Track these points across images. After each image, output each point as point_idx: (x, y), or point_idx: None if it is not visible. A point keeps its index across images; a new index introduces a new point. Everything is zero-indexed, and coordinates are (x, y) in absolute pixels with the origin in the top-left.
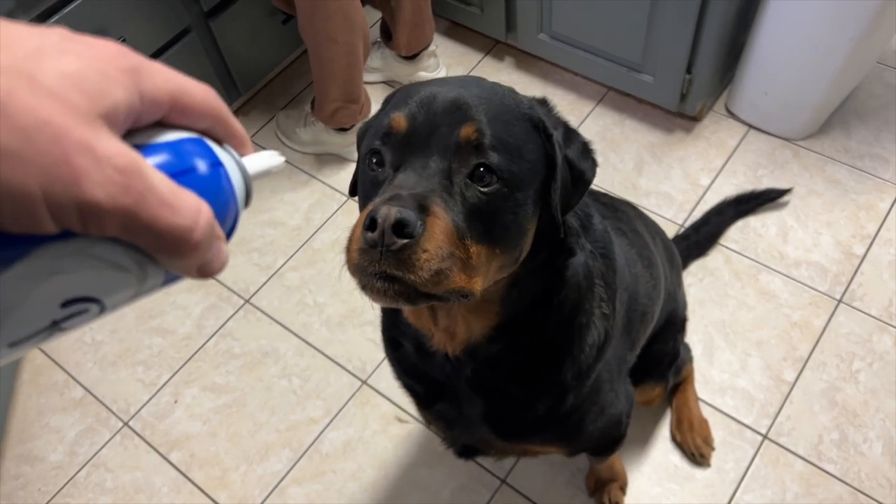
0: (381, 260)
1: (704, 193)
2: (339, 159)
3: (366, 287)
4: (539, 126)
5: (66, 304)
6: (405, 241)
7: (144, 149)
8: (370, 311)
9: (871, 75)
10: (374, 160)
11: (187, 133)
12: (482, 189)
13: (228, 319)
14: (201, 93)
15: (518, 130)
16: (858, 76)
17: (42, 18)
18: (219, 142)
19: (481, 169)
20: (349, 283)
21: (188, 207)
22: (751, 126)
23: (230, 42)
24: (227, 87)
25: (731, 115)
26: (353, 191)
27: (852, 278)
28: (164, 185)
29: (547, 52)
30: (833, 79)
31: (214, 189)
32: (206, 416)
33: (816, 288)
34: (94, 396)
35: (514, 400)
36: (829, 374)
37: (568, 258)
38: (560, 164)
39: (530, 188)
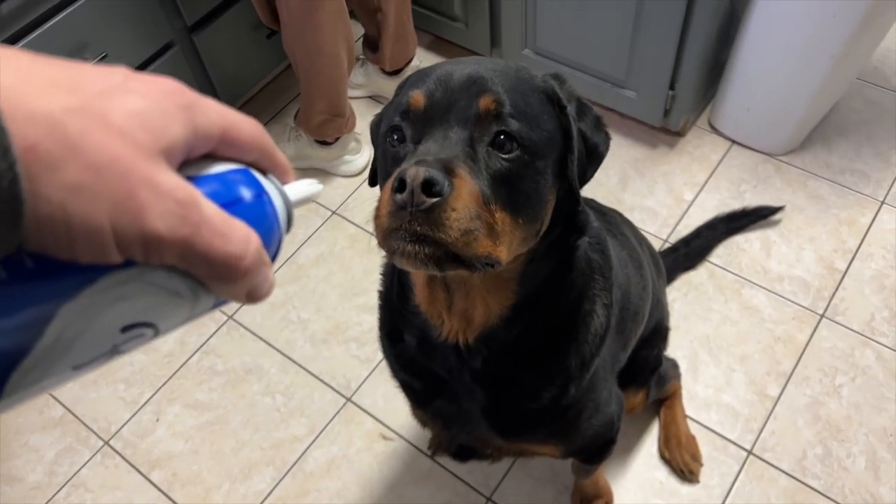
0: (410, 221)
1: (688, 208)
2: (323, 174)
3: (396, 251)
4: (553, 99)
5: (126, 329)
6: (434, 199)
7: (196, 180)
8: (354, 328)
9: (851, 91)
10: (395, 137)
11: (234, 164)
12: (504, 156)
13: (211, 336)
14: (249, 127)
15: (534, 101)
16: (839, 92)
17: (23, 34)
18: (263, 172)
19: (501, 137)
20: (336, 298)
21: (239, 236)
22: (734, 141)
23: (214, 56)
24: None
25: (714, 130)
26: (374, 180)
27: (834, 293)
28: (217, 216)
29: (531, 68)
30: (814, 95)
31: (260, 217)
32: (188, 435)
33: (799, 303)
34: (74, 415)
35: (520, 389)
36: (812, 388)
37: (579, 236)
38: (575, 135)
39: (549, 158)
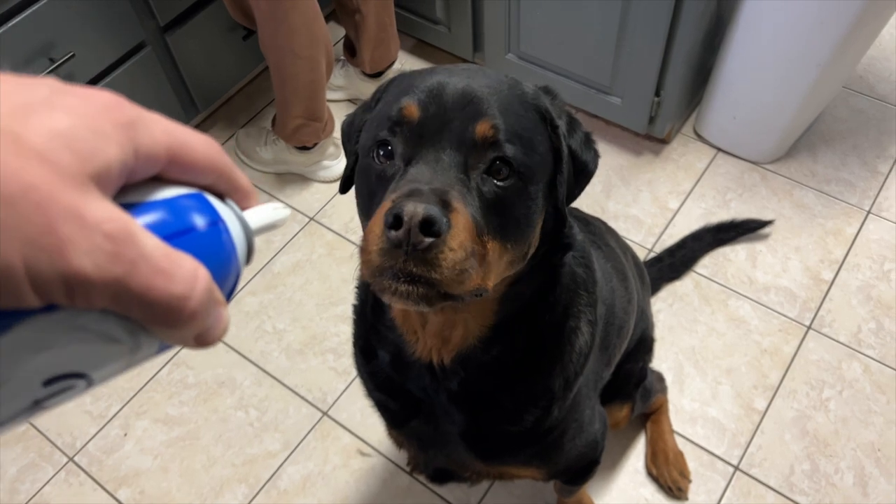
0: (406, 260)
1: (673, 217)
2: (301, 179)
3: (386, 290)
4: (546, 117)
5: (50, 382)
6: (432, 239)
7: (138, 207)
8: (332, 339)
9: (836, 99)
10: (382, 153)
11: (186, 189)
12: (498, 183)
13: (183, 347)
14: (203, 146)
15: (528, 122)
16: (825, 100)
17: None
18: (221, 196)
19: (497, 162)
20: (312, 308)
21: (184, 273)
22: (719, 149)
23: (188, 58)
24: (185, 104)
25: (700, 137)
26: (346, 188)
27: (821, 304)
28: (158, 250)
29: (514, 73)
30: (801, 103)
31: (214, 249)
32: (157, 450)
33: (786, 314)
34: (38, 430)
35: (501, 412)
36: (799, 402)
37: (564, 254)
38: (566, 156)
39: (541, 181)
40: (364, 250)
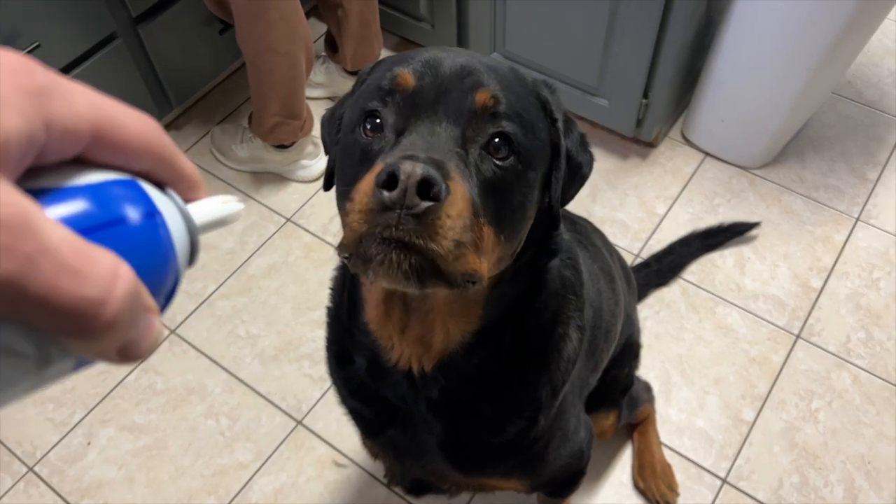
0: (398, 224)
1: (661, 222)
2: (277, 178)
3: (373, 259)
4: (545, 107)
5: None
6: (429, 203)
7: (51, 194)
8: (308, 344)
9: (824, 105)
10: (370, 125)
11: (116, 174)
12: (498, 162)
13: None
14: (137, 123)
15: (529, 106)
16: (815, 105)
17: None
18: (161, 185)
19: (497, 140)
20: (288, 312)
21: (100, 273)
22: (707, 153)
23: (162, 51)
24: (158, 99)
25: (687, 141)
26: (329, 184)
27: (810, 312)
28: (66, 244)
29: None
30: (790, 107)
31: (147, 245)
32: (122, 460)
33: (774, 322)
34: None
35: (483, 423)
36: (788, 413)
37: (550, 259)
38: (563, 152)
39: (539, 169)
40: (347, 214)
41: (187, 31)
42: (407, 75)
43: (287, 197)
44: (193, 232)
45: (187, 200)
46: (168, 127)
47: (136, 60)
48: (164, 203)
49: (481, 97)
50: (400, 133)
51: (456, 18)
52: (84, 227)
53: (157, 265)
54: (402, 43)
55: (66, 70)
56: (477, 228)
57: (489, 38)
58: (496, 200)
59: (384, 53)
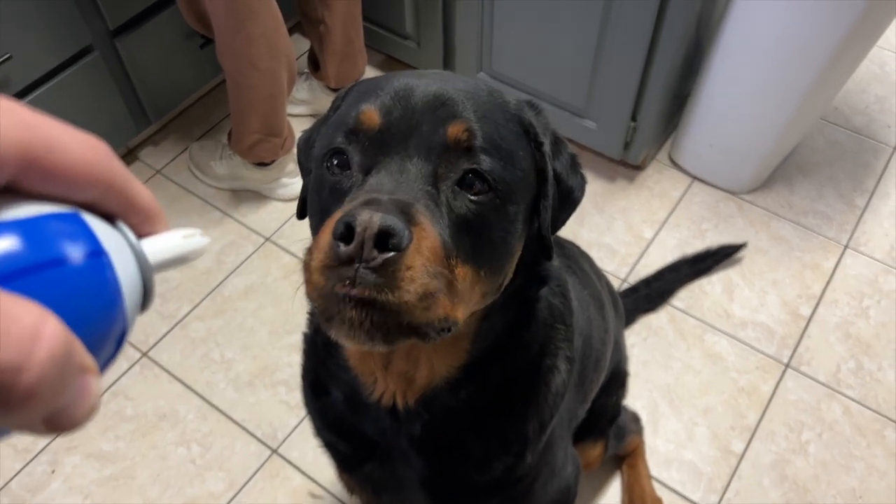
0: (356, 279)
1: (648, 246)
2: (257, 196)
3: (333, 318)
4: (529, 132)
5: None
6: (389, 255)
7: None
8: (284, 370)
9: (812, 131)
10: (336, 162)
11: (54, 207)
12: (472, 198)
13: (122, 375)
14: (79, 146)
15: (508, 134)
16: (804, 131)
17: None
18: (111, 218)
19: (471, 175)
20: (265, 336)
21: (17, 333)
22: (695, 177)
23: (140, 65)
24: (136, 114)
25: (675, 165)
26: (303, 212)
27: (799, 341)
28: None
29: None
30: (779, 132)
31: (89, 291)
32: (87, 490)
33: (763, 351)
34: None
35: (467, 459)
36: (778, 444)
37: (540, 287)
38: (550, 177)
39: (522, 202)
40: (307, 269)
41: (167, 45)
42: (372, 113)
43: (266, 216)
44: (147, 272)
45: (142, 234)
46: (145, 143)
47: (113, 74)
48: (113, 239)
49: (453, 131)
50: (367, 171)
51: (442, 37)
52: (9, 271)
53: (101, 313)
54: (387, 61)
55: (39, 83)
56: (449, 271)
57: (476, 57)
58: (473, 238)
59: (369, 71)
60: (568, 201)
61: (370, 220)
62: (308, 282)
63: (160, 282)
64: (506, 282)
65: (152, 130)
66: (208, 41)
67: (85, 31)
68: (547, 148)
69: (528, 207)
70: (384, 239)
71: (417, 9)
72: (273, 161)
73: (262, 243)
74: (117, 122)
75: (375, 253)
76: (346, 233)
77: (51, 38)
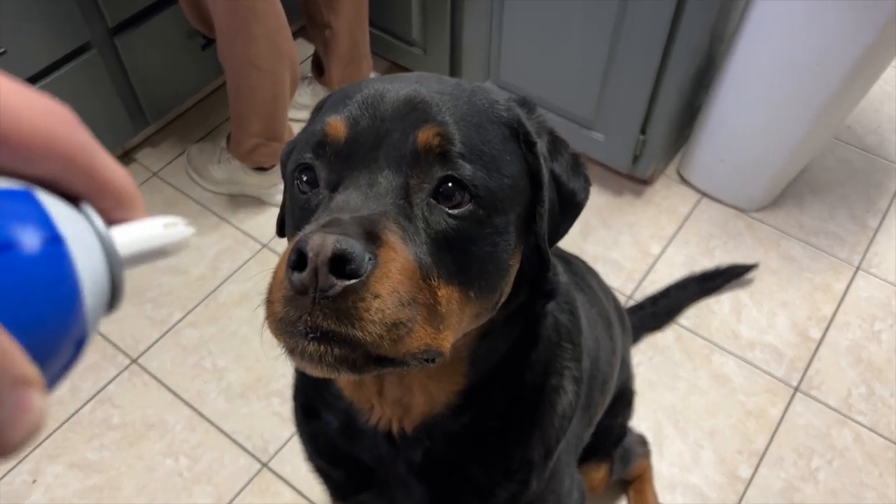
0: (313, 311)
1: (655, 263)
2: (256, 202)
3: (294, 351)
4: (519, 132)
5: None
6: (348, 282)
7: None
8: (279, 380)
9: (824, 150)
10: (305, 178)
11: (3, 182)
12: (451, 211)
13: (110, 382)
14: (36, 112)
15: (493, 137)
16: (816, 148)
17: None
18: (74, 199)
19: (449, 184)
20: (263, 344)
21: None
22: (704, 193)
23: (139, 64)
24: (134, 115)
25: (684, 180)
26: (283, 229)
27: (809, 364)
28: None
29: (492, 91)
30: (792, 149)
31: (39, 285)
32: (69, 501)
33: (772, 373)
34: None
35: (470, 487)
36: (786, 471)
37: (546, 303)
38: (546, 181)
39: (511, 212)
40: (268, 299)
41: (167, 44)
42: (337, 124)
43: (264, 222)
44: (115, 265)
45: (114, 221)
46: (143, 144)
47: (111, 73)
48: (74, 224)
49: (424, 136)
50: (334, 188)
51: (449, 45)
52: None
53: (54, 313)
54: (392, 68)
55: (34, 79)
56: (428, 294)
57: (483, 65)
58: (456, 255)
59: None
60: (570, 206)
61: (322, 244)
62: (268, 315)
63: (151, 286)
64: (503, 299)
65: (150, 132)
66: (210, 42)
67: (83, 28)
68: (542, 148)
69: (522, 216)
70: (341, 265)
71: (425, 15)
72: (272, 166)
73: (259, 250)
74: (114, 122)
75: (333, 280)
76: (299, 260)
77: (48, 34)
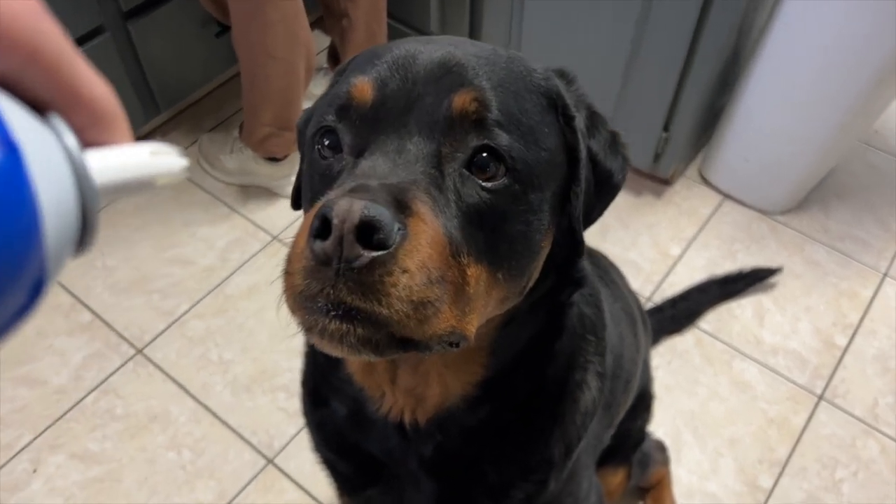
0: (336, 284)
1: (675, 265)
2: (267, 193)
3: (312, 328)
4: (557, 104)
5: None
6: (376, 253)
7: None
8: (285, 374)
9: (850, 154)
10: (327, 143)
11: None
12: (485, 184)
13: (114, 372)
14: None
15: (531, 107)
16: (844, 151)
17: None
18: (40, 108)
19: (484, 154)
20: (266, 338)
21: None
22: (726, 195)
23: (152, 50)
24: (145, 102)
25: (705, 181)
26: (298, 201)
27: (834, 372)
28: None
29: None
30: (819, 150)
31: None
32: (69, 492)
33: (795, 380)
34: None
35: (484, 485)
36: (809, 482)
37: (574, 291)
38: (584, 158)
39: (547, 189)
40: (285, 270)
41: (181, 31)
42: (364, 86)
43: (275, 214)
44: (88, 193)
45: (90, 143)
46: (154, 132)
47: (123, 58)
48: (37, 136)
49: (460, 101)
50: (359, 153)
51: (468, 37)
52: None
53: (2, 241)
54: None
55: None
56: (456, 272)
57: None
58: (487, 232)
59: None
60: (606, 187)
61: (349, 209)
62: (286, 288)
63: (159, 276)
64: (530, 284)
65: (161, 120)
66: (224, 29)
67: (96, 11)
68: (579, 123)
69: (557, 195)
70: (368, 233)
71: (444, 7)
72: (285, 157)
73: (269, 242)
74: (125, 109)
75: (359, 250)
76: (323, 227)
77: (59, 15)
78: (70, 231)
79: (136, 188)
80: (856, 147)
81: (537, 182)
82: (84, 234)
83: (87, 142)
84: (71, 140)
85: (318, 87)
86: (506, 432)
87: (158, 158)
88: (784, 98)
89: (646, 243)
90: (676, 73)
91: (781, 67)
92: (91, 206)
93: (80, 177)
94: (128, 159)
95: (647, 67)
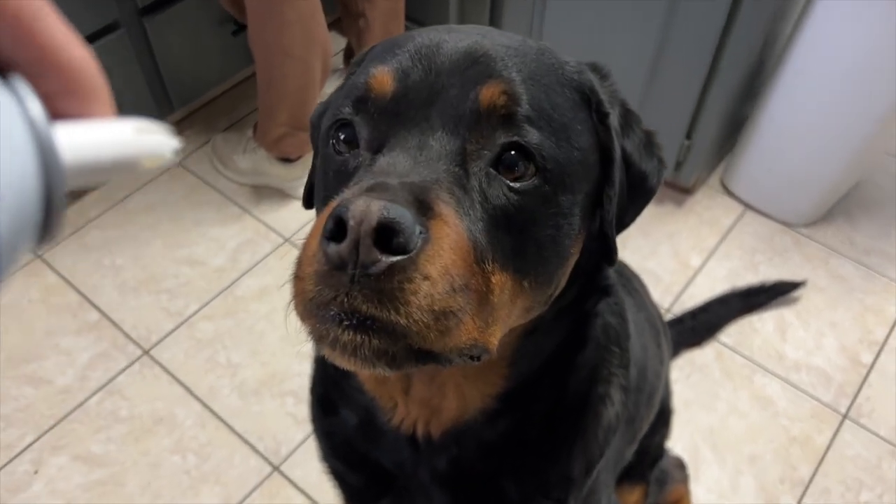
0: (350, 290)
1: (695, 276)
2: (279, 194)
3: (324, 338)
4: (591, 100)
5: None
6: (395, 258)
7: None
8: (294, 379)
9: (877, 167)
10: (343, 136)
11: None
12: (513, 184)
13: (120, 373)
14: None
15: (563, 102)
16: (870, 163)
17: None
18: (2, 69)
19: (513, 152)
20: (275, 341)
21: None
22: (748, 206)
23: (167, 47)
24: (159, 100)
25: (727, 191)
26: (310, 200)
27: (859, 390)
28: None
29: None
30: (845, 162)
31: None
32: (71, 495)
33: (819, 398)
34: None
35: (501, 501)
36: None
37: (600, 300)
38: (618, 159)
39: (579, 191)
40: (295, 275)
41: (198, 28)
42: (384, 76)
43: (287, 215)
44: (52, 171)
45: (62, 115)
46: None
47: (139, 55)
48: None
49: (487, 94)
50: (378, 149)
51: None
52: None
53: None
54: None
55: None
56: (480, 279)
57: None
58: (513, 237)
59: None
60: (640, 191)
61: (367, 210)
62: (295, 294)
63: (168, 276)
64: (557, 292)
65: (175, 118)
66: (240, 28)
67: (112, 6)
68: (614, 121)
69: (589, 197)
70: (388, 236)
71: (463, 8)
72: (298, 158)
73: (281, 244)
74: (139, 106)
75: (377, 255)
76: (337, 229)
77: (76, 10)
78: (28, 215)
79: (116, 169)
80: (883, 159)
81: (569, 183)
82: (47, 218)
83: (57, 112)
84: (35, 107)
85: (334, 88)
86: (525, 446)
87: (145, 137)
88: (810, 108)
89: (666, 253)
90: (701, 80)
91: (808, 77)
92: (56, 185)
93: (44, 151)
94: (106, 135)
95: (671, 72)
